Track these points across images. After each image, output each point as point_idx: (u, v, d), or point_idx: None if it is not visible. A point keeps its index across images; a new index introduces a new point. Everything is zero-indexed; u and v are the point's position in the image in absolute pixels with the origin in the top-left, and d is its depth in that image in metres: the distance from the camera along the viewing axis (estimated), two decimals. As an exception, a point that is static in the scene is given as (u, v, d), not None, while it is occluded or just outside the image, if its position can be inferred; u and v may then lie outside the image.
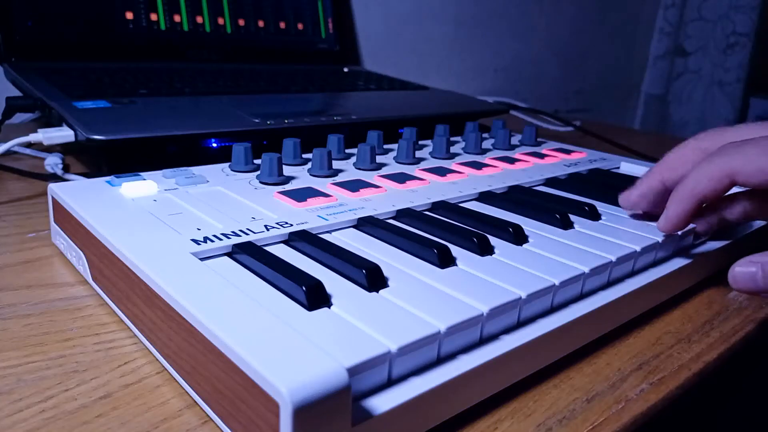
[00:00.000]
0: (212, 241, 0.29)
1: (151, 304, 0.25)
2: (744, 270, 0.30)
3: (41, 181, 0.48)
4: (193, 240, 0.28)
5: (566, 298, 0.29)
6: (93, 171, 0.51)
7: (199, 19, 0.75)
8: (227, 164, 0.42)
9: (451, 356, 0.24)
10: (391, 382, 0.22)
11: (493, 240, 0.32)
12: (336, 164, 0.44)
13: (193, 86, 0.61)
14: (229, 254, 0.29)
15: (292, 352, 0.20)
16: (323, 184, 0.39)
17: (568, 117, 1.05)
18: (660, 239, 0.34)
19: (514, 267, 0.29)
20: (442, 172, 0.44)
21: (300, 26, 0.85)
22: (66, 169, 0.50)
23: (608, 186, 0.43)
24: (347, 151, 0.47)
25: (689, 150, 0.36)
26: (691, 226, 0.36)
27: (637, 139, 1.00)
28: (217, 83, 0.64)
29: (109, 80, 0.59)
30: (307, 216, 0.33)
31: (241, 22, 0.79)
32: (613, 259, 0.31)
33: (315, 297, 0.24)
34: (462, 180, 0.43)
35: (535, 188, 0.44)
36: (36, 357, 0.26)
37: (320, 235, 0.31)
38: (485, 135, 0.59)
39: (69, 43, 0.66)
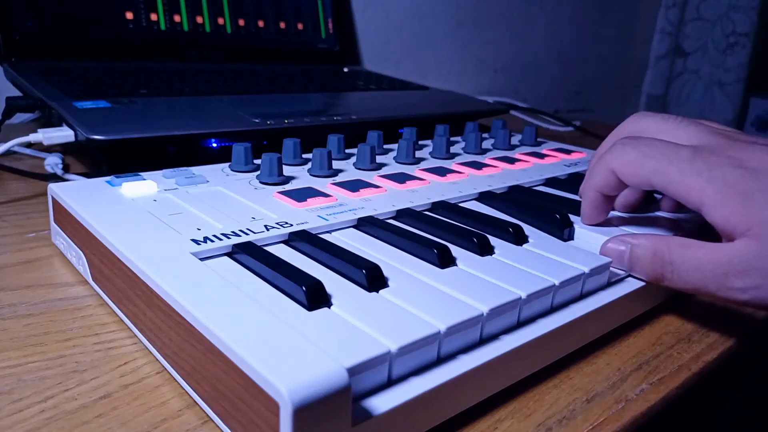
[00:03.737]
0: (212, 241, 0.29)
1: (151, 304, 0.25)
2: (615, 247, 0.32)
3: (41, 181, 0.48)
4: (193, 240, 0.28)
5: (566, 298, 0.29)
6: (93, 171, 0.51)
7: (199, 19, 0.75)
8: (227, 164, 0.42)
9: (451, 356, 0.24)
10: (391, 382, 0.22)
11: (493, 240, 0.32)
12: (336, 164, 0.44)
13: (193, 86, 0.61)
14: (229, 254, 0.29)
15: (292, 352, 0.20)
16: (323, 184, 0.39)
17: (568, 117, 1.05)
18: (660, 239, 0.34)
19: (514, 267, 0.29)
20: (442, 172, 0.44)
21: (300, 26, 0.85)
22: (66, 169, 0.50)
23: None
24: (347, 151, 0.47)
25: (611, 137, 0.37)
26: None
27: (637, 139, 0.99)
28: (217, 83, 0.64)
29: (109, 80, 0.59)
30: (307, 216, 0.33)
31: (241, 22, 0.79)
32: (613, 259, 0.31)
33: (315, 297, 0.24)
34: (462, 180, 0.43)
35: (535, 188, 0.44)
36: (36, 357, 0.26)
37: (320, 235, 0.31)
38: (485, 135, 0.59)
39: (69, 43, 0.66)
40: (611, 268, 0.31)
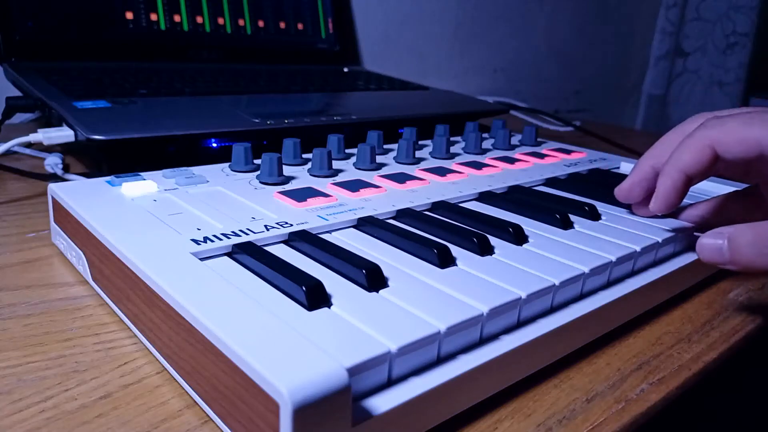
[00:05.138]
0: (212, 241, 0.29)
1: (151, 304, 0.25)
2: (711, 242, 0.30)
3: (41, 181, 0.48)
4: (193, 240, 0.28)
5: (566, 298, 0.29)
6: (93, 171, 0.51)
7: (199, 19, 0.75)
8: (227, 164, 0.42)
9: (451, 356, 0.24)
10: (391, 382, 0.22)
11: (493, 240, 0.32)
12: (336, 164, 0.44)
13: (193, 86, 0.61)
14: (229, 254, 0.29)
15: (292, 352, 0.20)
16: (323, 184, 0.39)
17: (568, 117, 1.05)
18: (660, 239, 0.34)
19: (514, 267, 0.29)
20: (442, 172, 0.44)
21: (300, 26, 0.85)
22: (66, 169, 0.50)
23: (608, 186, 0.43)
24: (347, 151, 0.47)
25: (676, 135, 0.36)
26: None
27: (637, 139, 1.00)
28: (217, 83, 0.64)
29: (109, 80, 0.59)
30: (307, 216, 0.33)
31: (241, 22, 0.79)
32: (613, 259, 0.31)
33: (315, 297, 0.24)
34: (462, 180, 0.43)
35: (535, 188, 0.44)
36: (36, 357, 0.26)
37: (320, 235, 0.31)
38: (485, 135, 0.59)
39: (69, 43, 0.66)
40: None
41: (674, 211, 0.39)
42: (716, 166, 0.33)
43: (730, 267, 0.29)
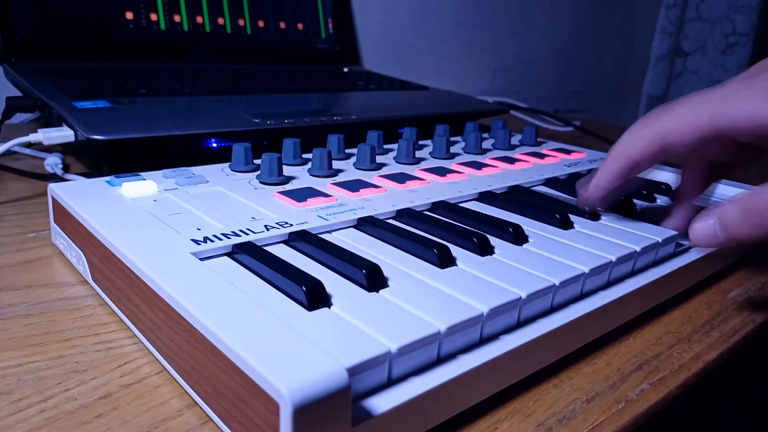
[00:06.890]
0: (212, 241, 0.29)
1: (151, 304, 0.25)
2: (702, 224, 0.29)
3: (41, 181, 0.48)
4: (193, 240, 0.28)
5: (566, 298, 0.29)
6: (93, 171, 0.51)
7: (199, 19, 0.75)
8: (227, 164, 0.42)
9: (451, 356, 0.24)
10: (391, 382, 0.22)
11: (493, 240, 0.32)
12: (336, 164, 0.44)
13: (193, 86, 0.61)
14: (229, 254, 0.29)
15: (292, 352, 0.20)
16: (323, 184, 0.39)
17: (568, 117, 1.05)
18: (660, 239, 0.34)
19: (514, 267, 0.29)
20: (442, 172, 0.44)
21: (300, 26, 0.85)
22: (66, 169, 0.50)
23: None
24: (347, 151, 0.47)
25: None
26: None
27: (637, 139, 1.00)
28: (217, 83, 0.64)
29: (109, 80, 0.59)
30: (307, 216, 0.33)
31: (241, 22, 0.79)
32: (613, 259, 0.31)
33: (315, 297, 0.24)
34: (462, 180, 0.43)
35: (535, 188, 0.44)
36: (36, 357, 0.26)
37: (320, 235, 0.31)
38: (485, 135, 0.59)
39: (69, 43, 0.66)
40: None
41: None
42: (667, 154, 0.32)
43: (728, 245, 0.29)
